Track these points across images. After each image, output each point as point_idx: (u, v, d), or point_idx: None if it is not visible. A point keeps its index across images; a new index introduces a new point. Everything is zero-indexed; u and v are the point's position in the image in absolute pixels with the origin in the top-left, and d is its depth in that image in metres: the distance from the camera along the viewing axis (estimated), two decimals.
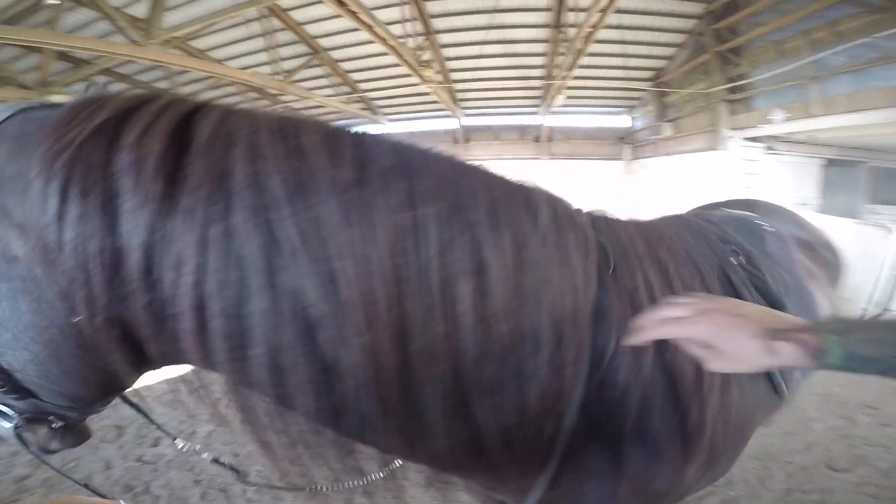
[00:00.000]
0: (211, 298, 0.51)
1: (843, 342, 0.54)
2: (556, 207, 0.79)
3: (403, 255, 0.57)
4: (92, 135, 0.51)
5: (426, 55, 10.14)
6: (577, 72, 9.43)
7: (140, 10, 7.28)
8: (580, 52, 8.29)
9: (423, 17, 9.69)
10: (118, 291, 0.51)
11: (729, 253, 1.09)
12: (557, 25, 9.44)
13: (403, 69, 9.82)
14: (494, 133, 14.93)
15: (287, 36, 10.31)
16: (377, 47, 9.05)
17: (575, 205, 0.90)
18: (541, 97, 12.40)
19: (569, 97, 10.88)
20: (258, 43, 10.04)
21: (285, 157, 0.56)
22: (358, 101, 13.60)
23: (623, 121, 13.45)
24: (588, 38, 7.86)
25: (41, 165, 0.49)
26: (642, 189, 12.25)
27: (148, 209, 0.50)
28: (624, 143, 13.31)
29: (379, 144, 0.66)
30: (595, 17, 7.15)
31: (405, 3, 8.81)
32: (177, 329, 0.53)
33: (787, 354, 0.56)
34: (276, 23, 9.70)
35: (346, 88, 12.66)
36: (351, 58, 11.55)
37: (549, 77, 10.87)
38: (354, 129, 0.71)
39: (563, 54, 9.29)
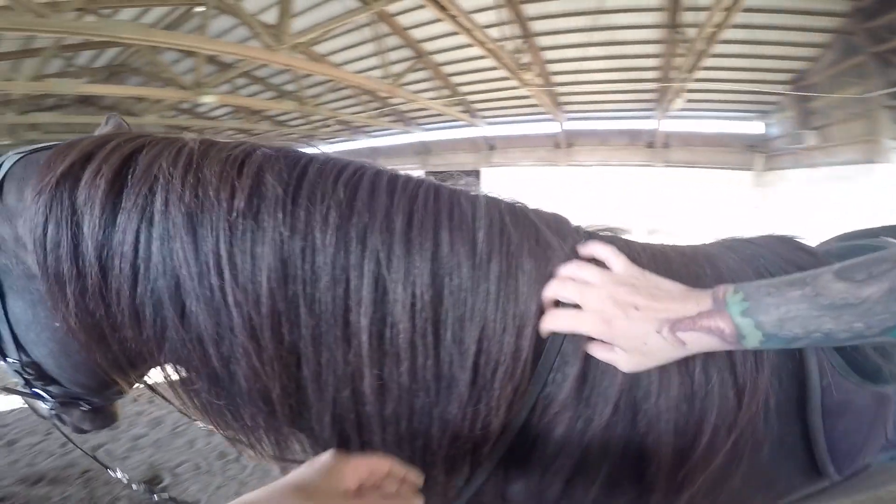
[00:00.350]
0: (142, 307, 0.60)
1: (757, 325, 0.50)
2: (510, 230, 0.67)
3: (288, 284, 0.59)
4: (61, 176, 0.61)
5: (525, 58, 9.94)
6: (699, 74, 8.47)
7: (271, 17, 8.18)
8: (702, 54, 7.43)
9: (521, 20, 9.44)
10: (85, 300, 0.61)
11: None
12: (673, 25, 8.54)
13: (502, 72, 9.77)
14: (601, 138, 13.99)
15: (394, 41, 10.79)
16: (476, 50, 9.10)
17: (569, 223, 0.79)
18: (655, 100, 11.35)
19: (689, 100, 9.80)
20: (369, 48, 10.69)
21: (186, 189, 0.60)
22: (458, 104, 13.77)
23: (754, 127, 11.59)
24: (711, 39, 7.04)
25: (30, 203, 0.61)
26: (779, 204, 10.53)
27: (99, 233, 0.59)
28: (755, 151, 11.54)
29: (287, 169, 0.64)
30: (719, 17, 6.36)
31: (501, 7, 8.65)
32: (125, 330, 0.62)
33: (697, 343, 0.54)
34: (385, 28, 10.21)
35: (447, 91, 12.87)
36: (452, 61, 11.69)
37: (664, 79, 9.90)
38: (287, 151, 0.70)
39: (681, 55, 8.41)
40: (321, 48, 11.07)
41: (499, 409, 0.62)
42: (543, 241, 0.68)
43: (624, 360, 0.58)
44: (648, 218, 12.83)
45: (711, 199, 12.08)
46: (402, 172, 0.71)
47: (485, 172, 16.37)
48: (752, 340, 0.51)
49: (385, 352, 0.60)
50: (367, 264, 0.59)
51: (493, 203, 0.71)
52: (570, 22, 9.27)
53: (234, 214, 0.59)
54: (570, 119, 13.99)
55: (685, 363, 0.63)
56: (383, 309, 0.60)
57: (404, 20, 10.12)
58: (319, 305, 0.59)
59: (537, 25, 9.65)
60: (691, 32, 7.64)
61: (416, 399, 0.63)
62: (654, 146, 12.94)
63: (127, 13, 8.35)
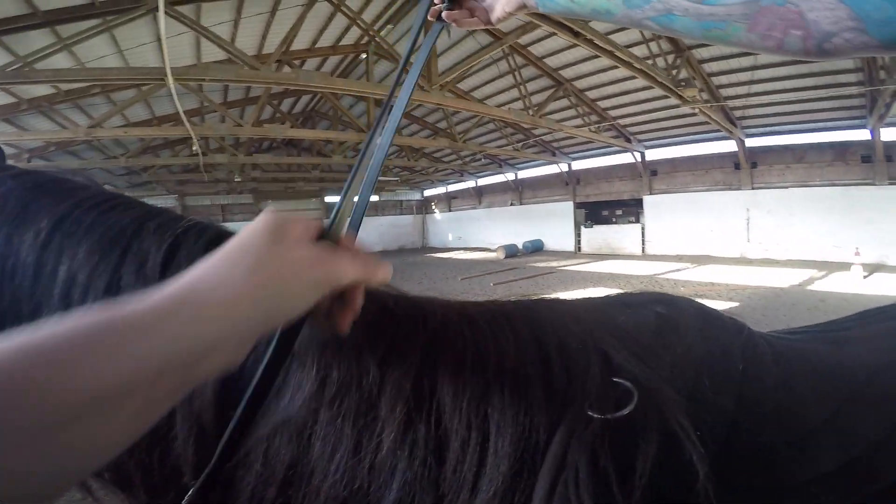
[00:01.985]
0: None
1: None
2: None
3: None
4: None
5: (682, 73, 9.02)
6: None
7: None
8: None
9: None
10: None
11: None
12: None
13: (657, 91, 9.06)
14: (796, 154, 11.61)
15: (530, 71, 10.99)
16: (622, 72, 8.66)
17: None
18: (864, 106, 9.06)
19: None
20: (508, 80, 11.09)
21: None
22: (608, 130, 13.09)
23: None
24: None
25: None
26: None
27: None
28: None
29: None
30: None
31: None
32: None
33: None
34: (520, 60, 10.49)
35: (594, 117, 12.38)
36: (595, 86, 11.37)
37: (871, 81, 7.86)
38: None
39: None
40: (464, 85, 11.94)
41: None
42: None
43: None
44: (869, 247, 9.92)
45: None
46: None
47: (647, 201, 15.04)
48: None
49: None
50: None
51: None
52: None
53: None
54: (750, 135, 12.01)
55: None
56: None
57: (537, 50, 10.32)
58: None
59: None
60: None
61: None
62: (874, 160, 10.12)
63: (310, 64, 10.41)
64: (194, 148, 10.12)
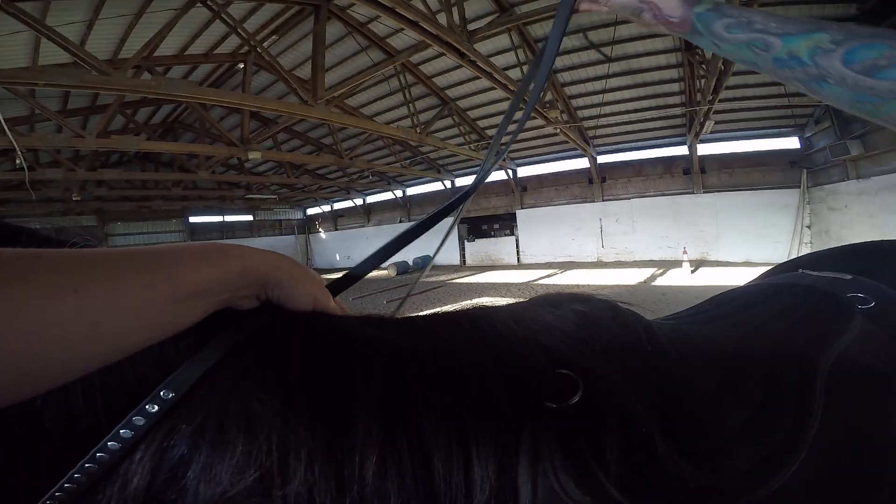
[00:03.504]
0: None
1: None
2: None
3: None
4: None
5: (548, 96, 10.18)
6: (725, 93, 8.37)
7: (305, 72, 8.84)
8: (722, 72, 7.34)
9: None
10: None
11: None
12: (689, 48, 8.66)
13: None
14: (635, 168, 13.87)
15: (420, 90, 11.41)
16: (499, 93, 9.45)
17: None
18: (685, 125, 11.23)
19: (718, 122, 9.63)
20: (398, 98, 11.33)
21: None
22: (486, 148, 14.09)
23: (791, 142, 11.21)
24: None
25: None
26: (838, 220, 9.79)
27: None
28: (799, 167, 10.98)
29: None
30: None
31: (519, 47, 9.04)
32: None
33: None
34: (410, 78, 10.84)
35: (474, 136, 13.28)
36: (476, 105, 12.18)
37: (691, 103, 9.84)
38: None
39: (703, 76, 8.38)
40: (353, 101, 11.88)
41: None
42: None
43: None
44: (694, 246, 12.32)
45: (758, 221, 11.53)
46: None
47: (520, 214, 16.45)
48: (701, 7, 0.59)
49: None
50: None
51: None
52: (588, 55, 9.56)
53: None
54: (600, 153, 14.04)
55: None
56: None
57: (427, 69, 10.77)
58: None
59: (557, 62, 9.98)
60: (708, 52, 7.66)
61: None
62: (691, 172, 12.62)
63: (177, 71, 9.42)
64: (18, 161, 8.30)
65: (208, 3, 6.82)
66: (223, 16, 7.15)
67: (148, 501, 0.34)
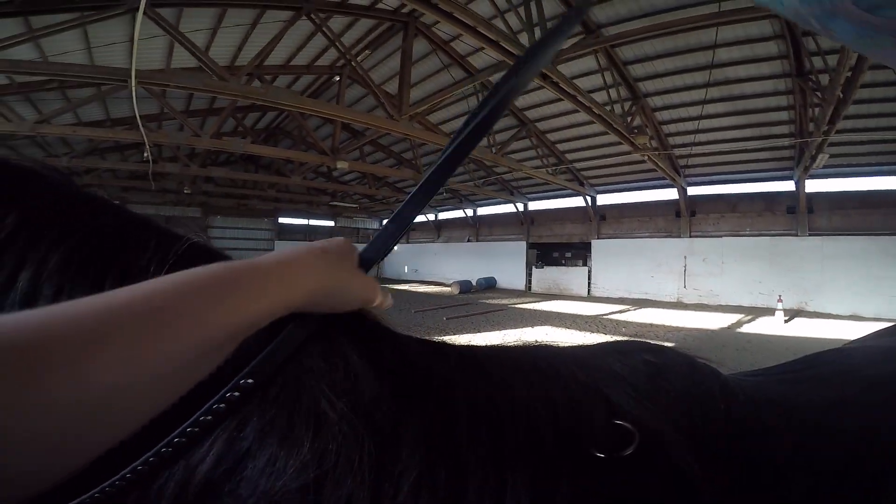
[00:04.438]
0: None
1: None
2: None
3: None
4: None
5: (636, 121, 9.75)
6: (843, 123, 7.47)
7: (392, 87, 9.35)
8: (841, 100, 6.57)
9: (628, 82, 9.43)
10: None
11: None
12: (801, 74, 7.86)
13: (612, 137, 9.68)
14: (730, 203, 12.73)
15: None
16: (582, 116, 9.25)
17: None
18: (793, 157, 10.17)
19: (833, 155, 8.58)
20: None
21: None
22: (564, 173, 13.82)
23: None
24: (851, 84, 6.23)
25: None
26: None
27: None
28: None
29: None
30: (853, 57, 5.67)
31: (606, 70, 8.77)
32: None
33: None
34: None
35: (552, 160, 13.07)
36: (556, 128, 12.01)
37: (801, 133, 8.89)
38: None
39: (817, 105, 7.55)
40: (434, 118, 12.30)
41: None
42: None
43: None
44: (791, 294, 10.96)
45: (873, 270, 10.06)
46: None
47: (595, 244, 15.80)
48: None
49: None
50: None
51: None
52: (683, 79, 9.06)
53: None
54: (691, 184, 13.08)
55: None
56: None
57: None
58: None
59: (647, 86, 9.58)
60: (824, 79, 6.90)
61: None
62: (797, 211, 11.31)
63: (281, 80, 10.38)
64: (146, 154, 9.61)
65: (311, 16, 7.47)
66: (324, 29, 7.76)
67: (206, 488, 0.35)
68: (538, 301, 14.48)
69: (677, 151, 11.22)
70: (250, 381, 0.36)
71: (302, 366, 0.40)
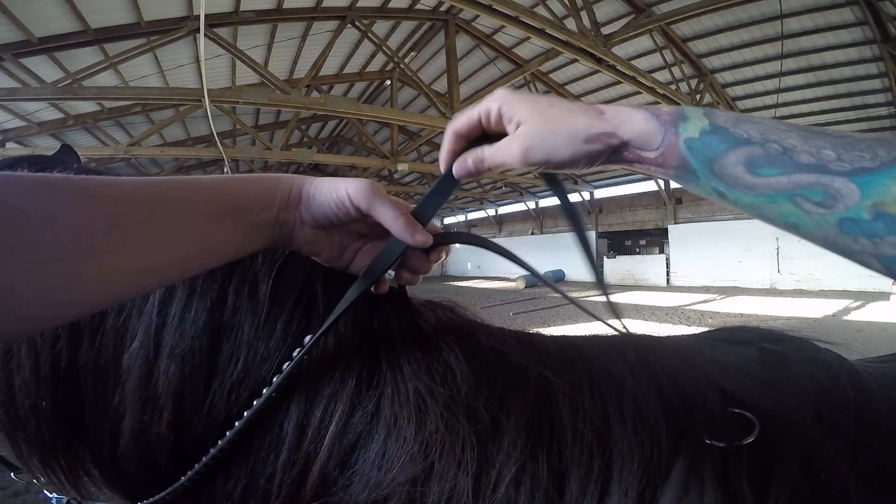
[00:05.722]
0: None
1: (706, 113, 0.37)
2: None
3: None
4: None
5: (706, 97, 9.01)
6: None
7: (441, 86, 9.38)
8: None
9: (690, 59, 8.71)
10: None
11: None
12: (886, 40, 6.89)
13: None
14: None
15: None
16: (645, 97, 8.70)
17: None
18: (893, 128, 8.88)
19: None
20: None
21: None
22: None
23: None
24: None
25: None
26: None
27: None
28: None
29: None
30: None
31: (665, 48, 8.14)
32: None
33: (619, 120, 0.39)
34: (541, 87, 10.68)
35: None
36: None
37: None
38: None
39: None
40: None
41: None
42: None
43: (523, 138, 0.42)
44: None
45: None
46: None
47: (672, 230, 14.77)
48: (693, 126, 0.36)
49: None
50: None
51: None
52: (753, 52, 8.23)
53: None
54: None
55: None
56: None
57: (559, 76, 10.49)
58: None
59: (713, 61, 8.84)
60: None
61: None
62: None
63: (337, 90, 10.80)
64: (226, 170, 10.50)
65: (356, 23, 7.71)
66: (369, 34, 7.98)
67: (323, 483, 0.38)
68: (611, 293, 13.80)
69: None
70: (308, 336, 0.41)
71: (401, 357, 0.42)
